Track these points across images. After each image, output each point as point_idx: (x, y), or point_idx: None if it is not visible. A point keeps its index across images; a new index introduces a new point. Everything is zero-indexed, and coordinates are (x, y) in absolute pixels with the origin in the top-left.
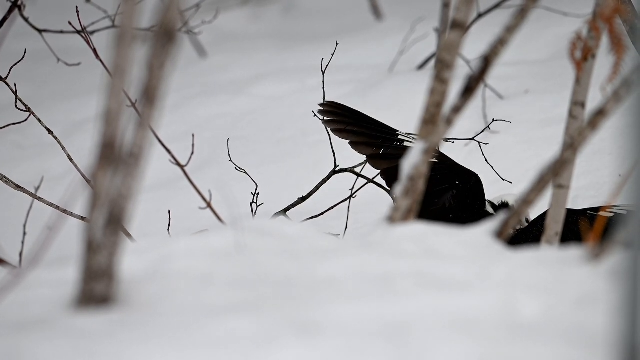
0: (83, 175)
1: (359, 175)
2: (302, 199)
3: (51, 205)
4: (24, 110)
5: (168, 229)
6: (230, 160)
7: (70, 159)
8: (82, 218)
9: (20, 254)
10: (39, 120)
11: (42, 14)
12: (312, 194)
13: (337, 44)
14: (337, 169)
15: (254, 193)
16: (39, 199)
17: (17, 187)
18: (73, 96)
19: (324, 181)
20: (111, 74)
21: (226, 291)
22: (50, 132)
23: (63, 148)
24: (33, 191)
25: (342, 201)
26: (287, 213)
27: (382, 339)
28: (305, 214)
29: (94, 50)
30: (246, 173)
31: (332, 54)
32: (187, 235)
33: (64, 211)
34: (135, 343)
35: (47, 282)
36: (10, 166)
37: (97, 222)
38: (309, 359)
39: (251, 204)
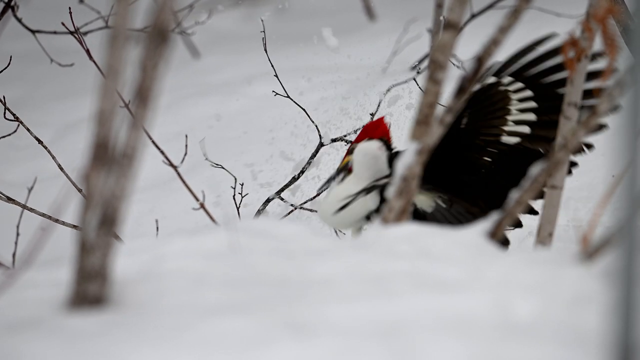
0: (72, 182)
1: (350, 143)
2: (295, 179)
3: (42, 215)
4: (12, 120)
5: (158, 231)
6: (207, 159)
7: (61, 168)
8: (74, 226)
9: (14, 255)
10: (28, 130)
11: (35, 15)
12: (304, 171)
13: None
14: (323, 142)
15: (233, 187)
16: (28, 208)
17: (9, 199)
18: (66, 97)
19: (313, 156)
20: (104, 74)
21: (220, 291)
22: (39, 142)
23: (53, 158)
24: (27, 192)
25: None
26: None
27: (376, 339)
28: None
29: (87, 51)
30: (223, 168)
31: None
32: (181, 236)
33: (55, 220)
34: (129, 343)
35: (41, 282)
36: (5, 167)
37: (90, 222)
38: (303, 359)
39: (234, 197)
